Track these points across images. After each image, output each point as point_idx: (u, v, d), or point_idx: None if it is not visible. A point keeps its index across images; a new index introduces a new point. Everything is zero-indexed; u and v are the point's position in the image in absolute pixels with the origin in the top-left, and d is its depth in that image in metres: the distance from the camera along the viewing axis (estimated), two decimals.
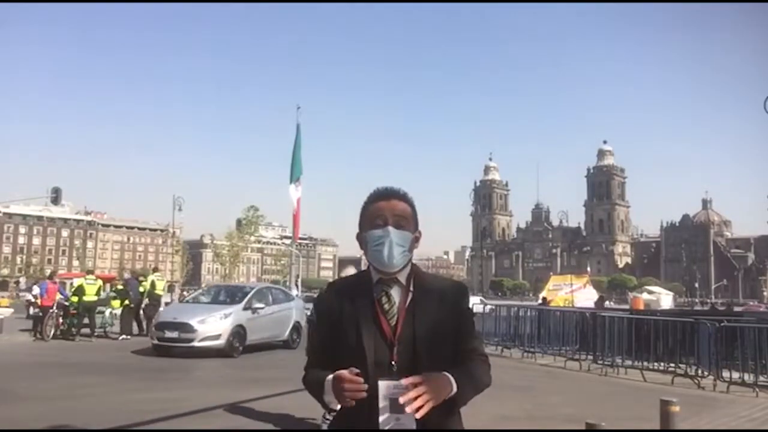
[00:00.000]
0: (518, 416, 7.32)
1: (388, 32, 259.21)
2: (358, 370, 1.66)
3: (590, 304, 26.67)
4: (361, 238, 1.89)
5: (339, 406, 1.71)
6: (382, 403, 1.64)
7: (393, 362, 1.75)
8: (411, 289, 1.85)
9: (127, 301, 17.08)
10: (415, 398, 1.59)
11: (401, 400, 1.60)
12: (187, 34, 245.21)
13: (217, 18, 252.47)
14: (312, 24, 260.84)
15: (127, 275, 22.94)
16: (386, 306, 1.82)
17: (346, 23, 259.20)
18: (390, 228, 1.81)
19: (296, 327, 15.11)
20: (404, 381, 1.63)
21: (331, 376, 1.72)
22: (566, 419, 7.28)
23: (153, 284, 18.13)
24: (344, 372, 1.66)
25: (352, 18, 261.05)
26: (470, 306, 1.97)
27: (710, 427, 7.21)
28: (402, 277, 1.85)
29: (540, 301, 25.71)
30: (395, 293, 1.84)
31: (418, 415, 1.60)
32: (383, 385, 1.66)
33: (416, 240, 1.88)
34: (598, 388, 10.37)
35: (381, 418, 1.64)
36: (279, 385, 9.05)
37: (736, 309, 31.06)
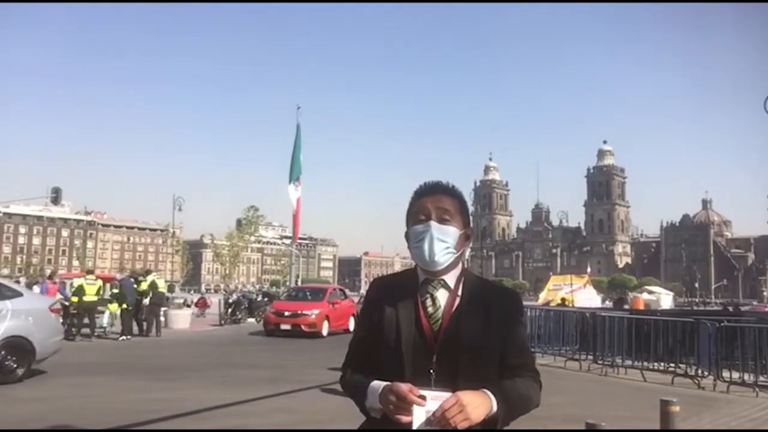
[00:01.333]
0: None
1: (389, 33, 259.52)
2: (421, 393, 1.51)
3: (590, 304, 26.67)
4: (407, 236, 1.77)
5: (380, 415, 1.60)
6: (416, 414, 1.52)
7: (431, 371, 1.61)
8: (459, 292, 1.71)
9: (124, 304, 16.98)
10: (450, 416, 1.48)
11: (434, 418, 1.49)
12: (186, 34, 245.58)
13: (216, 18, 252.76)
14: (312, 24, 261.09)
15: (120, 276, 22.82)
16: (430, 309, 1.68)
17: (346, 23, 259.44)
18: (432, 222, 1.68)
19: (14, 345, 8.83)
20: (441, 396, 1.51)
21: (379, 384, 1.59)
22: (566, 419, 7.28)
23: (154, 284, 18.13)
24: (403, 387, 1.52)
25: (352, 18, 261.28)
26: (522, 316, 1.82)
27: (710, 427, 7.21)
28: (450, 279, 1.72)
29: (559, 302, 25.54)
30: (441, 296, 1.70)
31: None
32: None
33: (467, 238, 1.75)
34: (598, 388, 10.37)
35: (414, 428, 1.51)
36: (279, 385, 9.05)
37: (744, 309, 31.11)
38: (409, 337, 1.65)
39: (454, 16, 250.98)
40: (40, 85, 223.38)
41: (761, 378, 10.19)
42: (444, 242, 1.68)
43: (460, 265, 1.76)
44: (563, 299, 26.62)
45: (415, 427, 1.51)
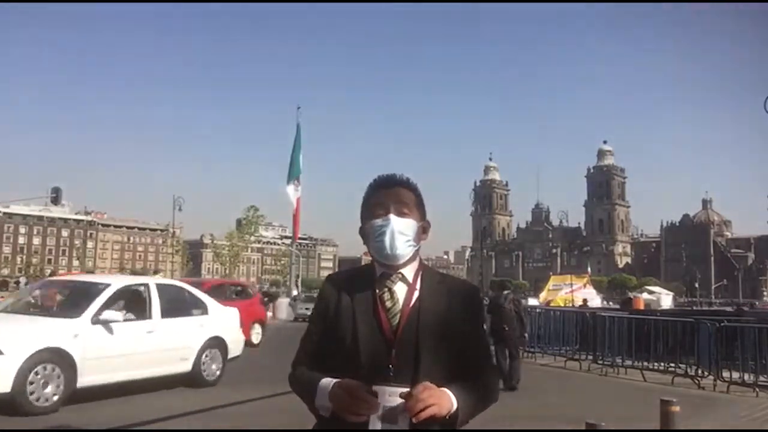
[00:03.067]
0: (518, 416, 7.30)
1: (389, 32, 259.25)
2: (374, 388, 1.48)
3: (590, 304, 26.68)
4: (363, 232, 1.74)
5: (329, 413, 1.55)
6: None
7: (390, 366, 1.57)
8: (417, 287, 1.68)
9: None
10: (422, 397, 1.44)
11: (403, 406, 1.44)
12: (186, 34, 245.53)
13: (216, 18, 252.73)
14: (313, 24, 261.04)
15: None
16: (388, 303, 1.65)
17: (346, 23, 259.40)
18: (391, 216, 1.66)
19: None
20: (404, 391, 1.47)
21: (329, 381, 1.55)
22: (566, 419, 7.28)
23: None
24: (353, 383, 1.49)
25: (352, 18, 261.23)
26: (482, 311, 1.81)
27: (710, 427, 7.21)
28: (408, 273, 1.69)
29: (581, 303, 25.46)
30: (399, 290, 1.67)
31: (414, 419, 1.44)
32: (378, 392, 1.49)
33: (423, 230, 1.73)
34: (598, 388, 10.37)
35: (371, 427, 1.47)
36: (279, 385, 9.02)
37: (756, 310, 31.18)
38: (367, 332, 1.62)
39: (454, 16, 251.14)
40: (40, 85, 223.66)
41: (761, 378, 10.19)
42: (405, 235, 1.66)
43: (417, 259, 1.74)
44: (585, 301, 26.47)
45: (371, 424, 1.46)
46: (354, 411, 1.47)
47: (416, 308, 1.65)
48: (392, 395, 1.47)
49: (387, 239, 1.65)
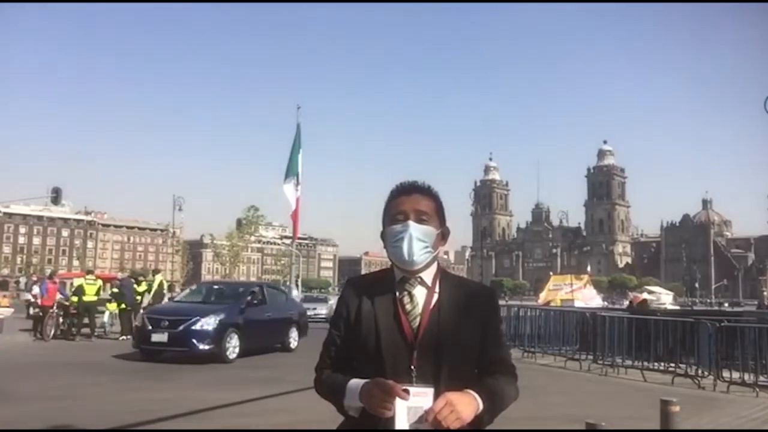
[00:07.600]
0: (518, 416, 7.28)
1: (389, 33, 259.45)
2: (404, 387, 1.52)
3: (591, 304, 26.63)
4: (384, 236, 1.79)
5: (359, 414, 1.61)
6: (399, 410, 1.50)
7: (412, 367, 1.63)
8: (436, 290, 1.73)
9: (123, 305, 16.86)
10: (442, 417, 1.47)
11: (425, 421, 1.48)
12: (187, 34, 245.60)
13: (217, 18, 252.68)
14: (313, 24, 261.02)
15: (121, 275, 22.83)
16: (408, 306, 1.70)
17: (346, 23, 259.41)
18: (410, 222, 1.70)
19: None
20: (423, 392, 1.53)
21: (359, 382, 1.60)
22: (566, 419, 7.28)
23: (161, 284, 18.17)
24: (387, 381, 1.53)
25: (352, 18, 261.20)
26: (500, 311, 1.86)
27: (711, 427, 7.20)
28: (427, 277, 1.74)
29: (634, 303, 25.18)
30: (419, 293, 1.72)
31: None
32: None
33: (443, 237, 1.79)
34: (598, 388, 10.37)
35: (397, 426, 1.50)
36: (279, 385, 9.04)
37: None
38: (388, 335, 1.66)
39: (454, 16, 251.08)
40: (40, 84, 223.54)
41: (761, 378, 10.17)
42: (423, 242, 1.70)
43: (436, 264, 1.78)
44: (632, 302, 26.05)
45: (397, 424, 1.50)
46: (385, 408, 1.51)
47: (436, 310, 1.70)
48: (416, 395, 1.52)
49: (405, 245, 1.69)
